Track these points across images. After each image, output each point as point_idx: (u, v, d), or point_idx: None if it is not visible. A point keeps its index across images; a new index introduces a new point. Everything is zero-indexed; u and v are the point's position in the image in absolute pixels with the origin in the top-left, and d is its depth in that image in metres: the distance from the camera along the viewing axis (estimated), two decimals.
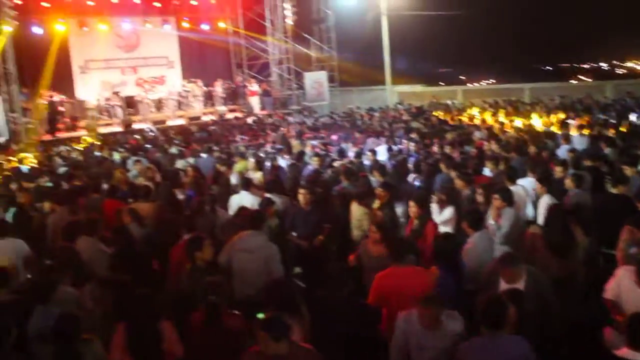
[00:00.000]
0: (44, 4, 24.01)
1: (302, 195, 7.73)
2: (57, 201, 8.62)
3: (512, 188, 7.69)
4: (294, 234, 7.72)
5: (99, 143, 17.38)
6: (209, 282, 5.19)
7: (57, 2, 24.18)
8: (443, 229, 7.45)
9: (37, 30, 23.85)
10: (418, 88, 31.15)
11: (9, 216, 8.79)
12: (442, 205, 7.67)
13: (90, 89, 25.58)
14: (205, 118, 24.04)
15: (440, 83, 37.70)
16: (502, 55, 45.77)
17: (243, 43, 29.42)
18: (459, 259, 5.86)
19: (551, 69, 56.57)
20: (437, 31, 36.66)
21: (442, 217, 7.59)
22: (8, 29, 20.17)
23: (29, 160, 15.55)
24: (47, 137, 21.28)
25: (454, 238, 6.26)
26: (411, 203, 7.20)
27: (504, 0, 40.21)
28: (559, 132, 12.76)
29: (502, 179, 8.39)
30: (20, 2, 21.79)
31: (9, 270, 5.66)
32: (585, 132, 12.52)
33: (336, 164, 10.52)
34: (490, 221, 6.83)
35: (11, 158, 15.98)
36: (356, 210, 7.75)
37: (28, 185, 10.61)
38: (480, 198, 7.36)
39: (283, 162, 11.47)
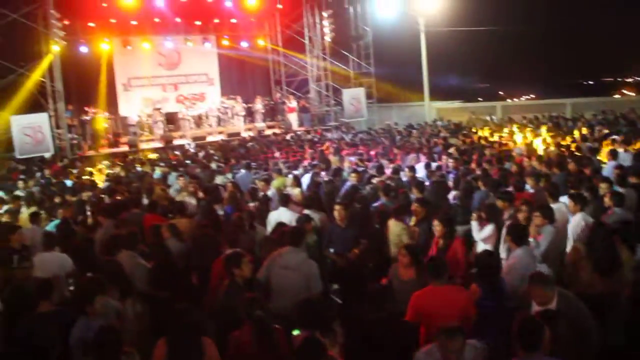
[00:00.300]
0: (90, 24, 24.86)
1: (337, 212, 7.73)
2: (106, 215, 8.79)
3: (554, 205, 7.55)
4: (331, 250, 7.71)
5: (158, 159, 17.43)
6: (250, 298, 5.20)
7: (103, 22, 24.99)
8: (483, 246, 7.36)
9: (83, 49, 24.64)
10: (456, 104, 30.94)
11: (51, 227, 9.06)
12: (482, 222, 7.58)
13: (132, 105, 26.21)
14: (245, 134, 24.28)
15: (479, 99, 37.33)
16: (542, 70, 45.11)
17: (282, 60, 29.77)
18: (499, 276, 5.75)
19: (593, 83, 55.47)
20: (475, 47, 36.37)
21: (482, 234, 7.50)
22: (56, 48, 20.85)
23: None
24: (91, 153, 21.82)
25: (496, 256, 6.16)
26: (435, 222, 7.02)
27: (544, 14, 39.70)
28: (604, 149, 12.49)
29: (543, 196, 8.25)
30: (67, 23, 22.54)
31: (53, 282, 5.77)
32: (630, 148, 12.23)
33: (375, 180, 10.47)
34: (530, 239, 6.71)
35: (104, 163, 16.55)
36: (394, 226, 7.71)
37: (71, 199, 10.87)
38: (522, 215, 7.21)
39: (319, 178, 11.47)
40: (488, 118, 23.94)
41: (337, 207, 7.79)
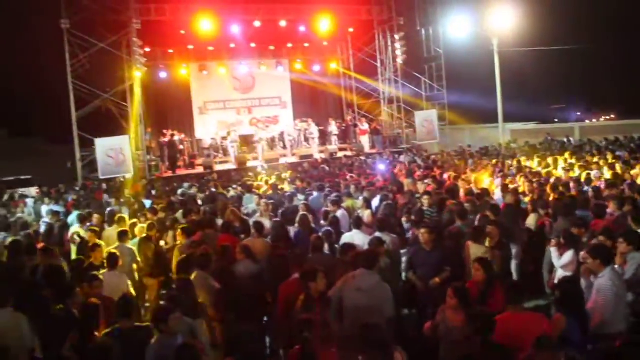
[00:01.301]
0: (169, 50, 25.99)
1: (422, 235, 7.61)
2: (185, 234, 9.04)
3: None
4: (412, 272, 7.60)
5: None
6: (302, 320, 5.20)
7: (181, 49, 26.11)
8: (562, 274, 7.12)
9: (162, 74, 25.74)
10: (531, 126, 30.16)
11: (133, 243, 9.39)
12: (562, 249, 7.32)
13: (207, 128, 27.06)
14: (317, 157, 24.48)
15: (555, 120, 36.26)
16: (623, 89, 43.24)
17: (354, 83, 29.96)
18: (584, 303, 5.50)
19: None
20: (550, 66, 35.34)
21: (562, 261, 7.28)
22: (138, 74, 21.81)
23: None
24: (168, 174, 22.56)
25: (578, 282, 5.90)
26: (476, 265, 6.38)
27: (622, 30, 38.15)
28: None
29: (625, 221, 7.89)
30: (149, 50, 23.60)
31: (133, 300, 5.96)
32: None
33: (448, 203, 10.29)
34: (615, 266, 6.38)
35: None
36: (475, 249, 7.48)
37: (152, 219, 11.23)
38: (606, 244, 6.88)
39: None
40: (565, 140, 23.18)
41: (422, 230, 7.64)
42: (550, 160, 16.08)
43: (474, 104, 29.53)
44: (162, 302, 6.67)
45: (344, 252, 7.30)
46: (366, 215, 9.84)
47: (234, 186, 15.83)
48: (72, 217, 12.30)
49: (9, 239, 10.06)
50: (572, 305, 5.37)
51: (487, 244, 7.64)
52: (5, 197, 18.18)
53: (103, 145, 20.71)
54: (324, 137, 27.16)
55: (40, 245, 9.15)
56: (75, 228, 11.07)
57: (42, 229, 12.09)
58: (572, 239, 7.43)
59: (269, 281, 7.32)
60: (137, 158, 21.98)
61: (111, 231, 10.30)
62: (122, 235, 9.30)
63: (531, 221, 9.52)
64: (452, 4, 26.57)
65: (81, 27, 20.67)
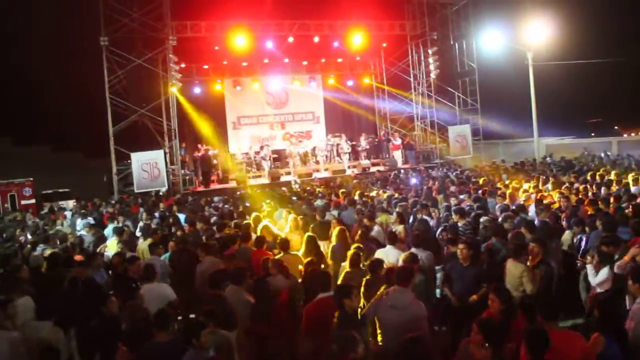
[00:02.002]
0: (204, 66, 26.42)
1: (460, 250, 7.55)
2: (205, 251, 9.12)
3: None
4: (447, 288, 7.55)
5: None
6: (340, 336, 5.17)
7: (216, 65, 26.49)
8: (599, 292, 6.97)
9: (196, 90, 26.16)
10: (567, 140, 29.70)
11: (165, 258, 9.50)
12: (597, 266, 7.16)
13: (240, 143, 27.29)
14: (349, 171, 24.47)
15: (592, 134, 35.65)
16: None
17: (387, 98, 29.96)
18: (624, 322, 5.35)
19: None
20: (586, 79, 34.79)
21: (598, 279, 7.09)
22: (173, 89, 22.20)
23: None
24: (202, 188, 22.80)
25: (618, 301, 5.76)
26: (491, 296, 5.96)
27: None
28: None
29: None
30: (184, 66, 24.03)
31: (169, 313, 6.01)
32: None
33: (482, 219, 10.17)
34: None
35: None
36: (513, 268, 7.29)
37: (190, 231, 11.34)
38: None
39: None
40: (602, 154, 22.76)
41: (460, 245, 7.60)
42: (587, 175, 15.80)
43: (508, 118, 29.22)
44: (192, 316, 6.72)
45: (374, 268, 7.25)
46: (399, 230, 9.79)
47: (267, 201, 15.89)
48: (108, 230, 12.52)
49: (48, 251, 10.27)
50: (611, 324, 5.23)
51: (530, 262, 7.49)
52: (45, 209, 18.63)
53: (138, 160, 21.10)
54: (356, 152, 27.16)
55: (77, 258, 9.34)
56: (112, 240, 11.27)
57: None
58: (606, 256, 7.27)
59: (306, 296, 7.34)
60: (171, 172, 22.30)
61: (145, 244, 10.44)
62: (154, 248, 9.42)
63: (567, 238, 9.36)
64: (486, 18, 26.45)
65: (119, 44, 21.18)
